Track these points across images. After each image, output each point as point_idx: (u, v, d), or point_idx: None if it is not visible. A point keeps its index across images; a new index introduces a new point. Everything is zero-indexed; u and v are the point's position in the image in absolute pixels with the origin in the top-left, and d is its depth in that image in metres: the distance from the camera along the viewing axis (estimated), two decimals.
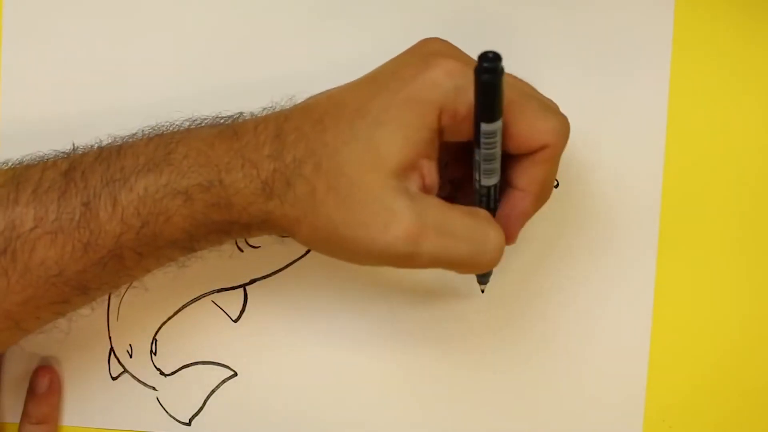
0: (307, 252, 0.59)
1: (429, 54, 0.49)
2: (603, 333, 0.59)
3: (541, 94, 0.51)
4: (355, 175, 0.47)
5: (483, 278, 0.57)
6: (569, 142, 0.50)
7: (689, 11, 0.58)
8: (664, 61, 0.58)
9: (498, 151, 0.48)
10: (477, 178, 0.49)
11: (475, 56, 0.48)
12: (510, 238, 0.51)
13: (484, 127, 0.47)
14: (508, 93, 0.47)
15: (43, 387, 0.59)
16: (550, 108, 0.50)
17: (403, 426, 0.60)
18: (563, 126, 0.50)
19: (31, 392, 0.60)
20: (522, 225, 0.51)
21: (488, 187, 0.50)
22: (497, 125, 0.47)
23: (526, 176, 0.50)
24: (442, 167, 0.50)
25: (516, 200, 0.50)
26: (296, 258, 0.59)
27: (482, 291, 0.59)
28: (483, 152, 0.48)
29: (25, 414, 0.60)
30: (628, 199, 0.58)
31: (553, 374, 0.59)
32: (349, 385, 0.60)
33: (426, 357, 0.59)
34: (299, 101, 0.52)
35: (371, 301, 0.59)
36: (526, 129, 0.48)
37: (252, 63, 0.59)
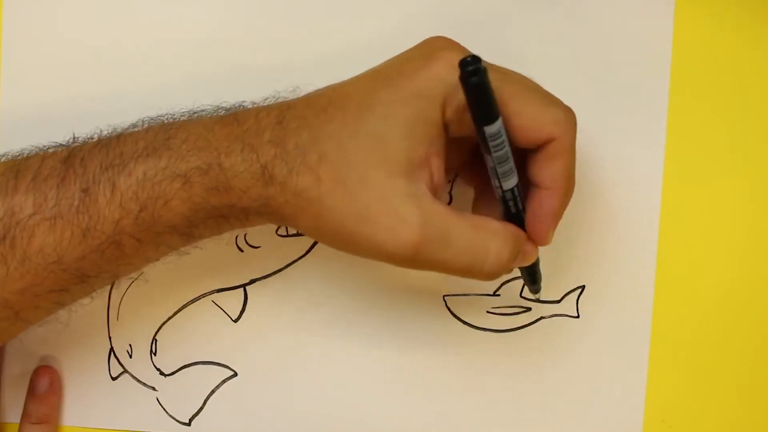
0: (307, 252, 0.59)
1: (433, 50, 0.49)
2: (603, 333, 0.59)
3: (542, 88, 0.51)
4: (363, 171, 0.47)
5: (533, 287, 0.57)
6: None
7: (689, 11, 0.58)
8: (665, 62, 0.58)
9: (508, 150, 0.48)
10: (497, 184, 0.49)
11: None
12: (541, 239, 0.51)
13: (487, 129, 0.47)
14: (507, 87, 0.47)
15: (43, 387, 0.59)
16: (551, 99, 0.50)
17: (404, 425, 0.59)
18: (567, 116, 0.49)
19: (32, 392, 0.60)
20: (553, 225, 0.51)
21: (510, 190, 0.50)
22: (498, 125, 0.47)
23: (546, 172, 0.49)
24: (467, 175, 0.52)
25: (542, 199, 0.50)
26: (296, 258, 0.59)
27: (538, 299, 0.59)
28: (494, 155, 0.48)
29: (25, 414, 0.60)
30: (628, 199, 0.59)
31: (553, 374, 0.59)
32: (349, 385, 0.60)
33: (426, 357, 0.59)
34: (302, 93, 0.52)
35: (372, 301, 0.59)
36: (530, 121, 0.48)
37: (254, 54, 0.59)
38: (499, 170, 0.49)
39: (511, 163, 0.49)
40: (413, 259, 0.48)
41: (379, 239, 0.48)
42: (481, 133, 0.47)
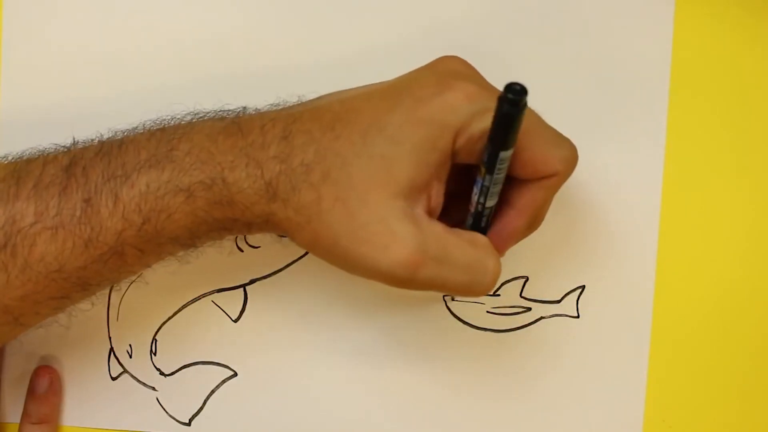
0: (307, 252, 0.59)
1: (448, 74, 0.49)
2: (603, 333, 0.59)
3: (551, 126, 0.51)
4: (365, 191, 0.47)
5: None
6: None
7: (689, 11, 0.58)
8: (665, 62, 0.58)
9: (505, 175, 0.49)
10: (482, 201, 0.50)
11: (482, 70, 0.49)
12: (501, 253, 0.51)
13: (503, 154, 0.47)
14: (524, 121, 0.47)
15: (43, 387, 0.59)
16: (560, 137, 0.50)
17: (404, 425, 0.59)
18: (573, 155, 0.50)
19: (32, 392, 0.60)
20: (511, 244, 0.52)
21: (490, 208, 0.50)
22: (512, 151, 0.47)
23: (526, 198, 0.50)
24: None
25: (511, 219, 0.51)
26: (296, 258, 0.59)
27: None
28: (495, 177, 0.48)
29: (25, 414, 0.60)
30: (628, 200, 0.59)
31: (554, 374, 0.59)
32: (348, 385, 0.60)
33: (425, 356, 0.59)
34: (307, 99, 0.52)
35: (372, 301, 0.59)
36: (540, 156, 0.49)
37: (255, 57, 0.59)
38: (492, 190, 0.49)
39: (500, 187, 0.49)
40: (412, 278, 0.48)
41: (374, 258, 0.48)
42: (494, 156, 0.47)
